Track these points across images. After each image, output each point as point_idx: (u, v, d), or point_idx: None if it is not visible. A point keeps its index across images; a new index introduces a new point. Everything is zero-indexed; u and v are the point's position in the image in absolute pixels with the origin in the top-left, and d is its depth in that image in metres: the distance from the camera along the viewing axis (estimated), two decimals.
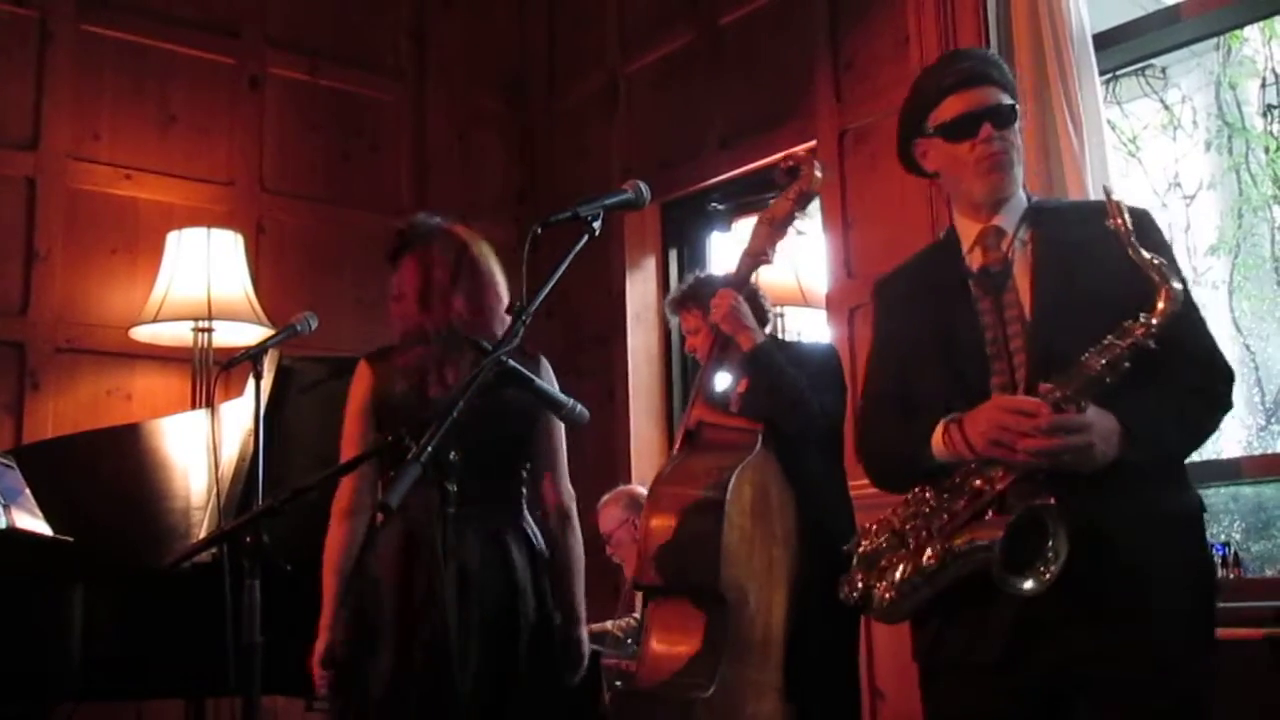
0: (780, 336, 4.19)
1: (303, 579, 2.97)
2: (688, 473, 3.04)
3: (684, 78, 5.21)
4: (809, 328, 4.77)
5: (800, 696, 2.95)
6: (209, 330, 4.49)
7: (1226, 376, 2.18)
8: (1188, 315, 2.11)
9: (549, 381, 2.91)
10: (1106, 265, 2.11)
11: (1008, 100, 2.28)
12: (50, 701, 3.31)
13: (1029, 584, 1.99)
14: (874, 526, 2.19)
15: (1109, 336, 2.04)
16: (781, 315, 4.67)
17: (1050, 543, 1.99)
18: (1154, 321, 2.02)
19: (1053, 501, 2.01)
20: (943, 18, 4.02)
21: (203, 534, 3.75)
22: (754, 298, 3.37)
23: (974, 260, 2.28)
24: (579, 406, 2.30)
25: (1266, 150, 6.17)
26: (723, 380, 3.23)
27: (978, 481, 2.09)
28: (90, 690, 3.33)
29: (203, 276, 4.43)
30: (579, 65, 5.76)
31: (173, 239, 4.56)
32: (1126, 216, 2.08)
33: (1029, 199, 2.32)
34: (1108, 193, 2.14)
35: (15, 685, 3.20)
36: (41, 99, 4.72)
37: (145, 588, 3.35)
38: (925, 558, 2.08)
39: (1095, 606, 2.03)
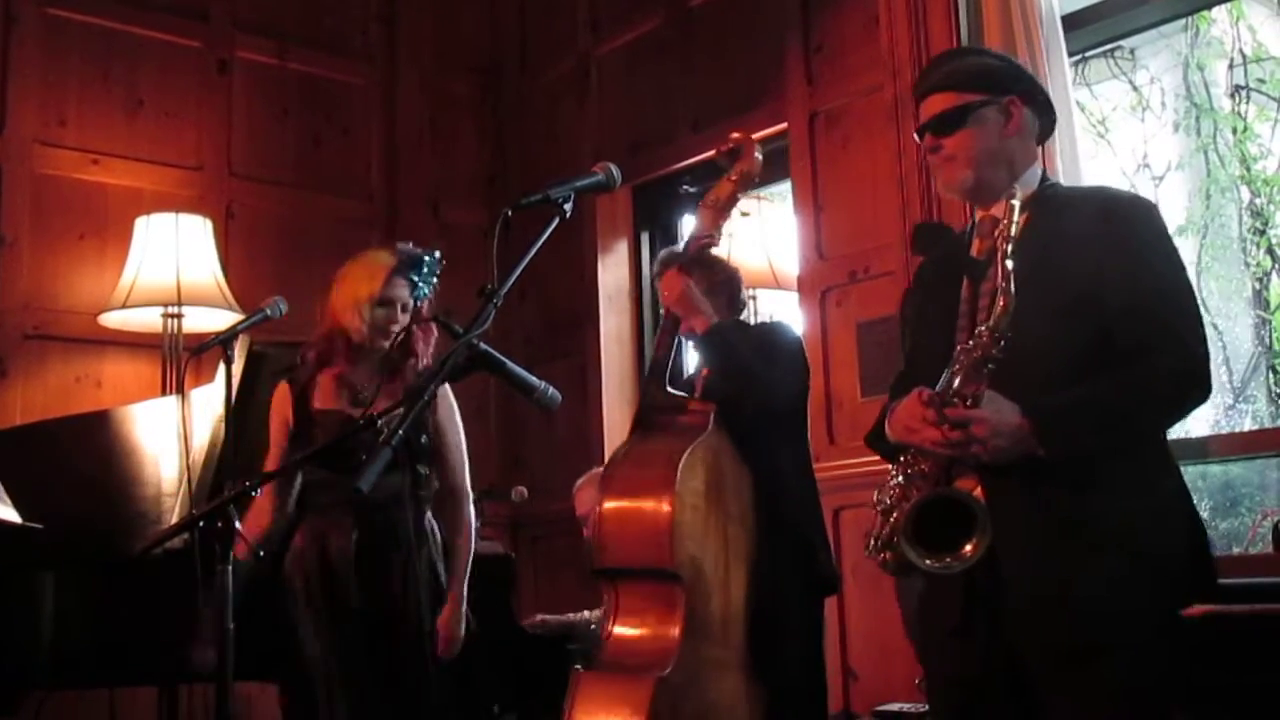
0: (744, 319, 4.19)
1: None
2: (641, 455, 3.05)
3: (655, 60, 5.21)
4: (781, 310, 4.77)
5: (767, 674, 2.97)
6: (179, 316, 4.45)
7: (1188, 371, 2.12)
8: (1147, 305, 2.11)
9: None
10: (1081, 255, 2.14)
11: (955, 103, 2.29)
12: (20, 690, 3.29)
13: (928, 562, 2.07)
14: (882, 494, 2.24)
15: (970, 340, 2.10)
16: (754, 298, 4.68)
17: (973, 529, 2.05)
18: (988, 326, 2.08)
19: (978, 489, 2.09)
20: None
21: (174, 520, 3.73)
22: (731, 282, 3.38)
23: (974, 248, 2.31)
24: (551, 389, 2.30)
25: (1234, 131, 6.20)
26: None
27: (922, 464, 2.17)
28: (61, 678, 3.32)
29: (172, 262, 4.40)
30: (550, 48, 5.74)
31: (141, 224, 4.52)
32: (1011, 218, 2.11)
33: (1043, 183, 2.33)
34: (1008, 195, 2.16)
35: None
36: (6, 84, 4.66)
37: (116, 575, 3.33)
38: (890, 526, 2.18)
39: (1017, 593, 2.09)
